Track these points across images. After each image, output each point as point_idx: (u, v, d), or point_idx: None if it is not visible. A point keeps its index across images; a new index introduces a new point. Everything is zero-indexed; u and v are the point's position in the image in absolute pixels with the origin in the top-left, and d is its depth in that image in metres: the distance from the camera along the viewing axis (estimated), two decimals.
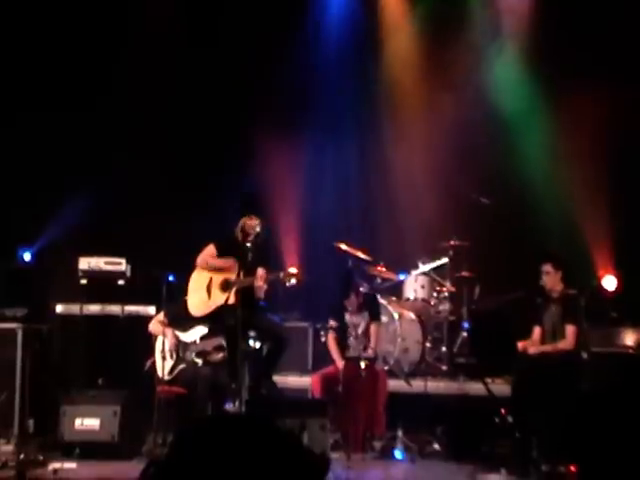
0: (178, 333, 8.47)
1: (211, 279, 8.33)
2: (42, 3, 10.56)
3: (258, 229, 8.20)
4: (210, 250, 8.44)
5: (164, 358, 8.35)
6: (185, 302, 8.43)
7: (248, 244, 8.11)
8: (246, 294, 8.07)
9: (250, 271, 8.12)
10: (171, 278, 8.17)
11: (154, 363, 8.38)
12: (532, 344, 8.29)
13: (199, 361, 8.38)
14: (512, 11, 10.90)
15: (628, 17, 10.08)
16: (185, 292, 8.43)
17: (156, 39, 10.57)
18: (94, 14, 10.59)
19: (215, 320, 8.35)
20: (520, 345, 8.25)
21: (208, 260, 8.39)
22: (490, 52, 10.97)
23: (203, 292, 8.33)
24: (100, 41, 10.57)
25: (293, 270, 8.22)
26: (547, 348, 8.20)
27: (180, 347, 8.45)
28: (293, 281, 8.05)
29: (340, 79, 11.18)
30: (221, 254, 8.37)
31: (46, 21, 10.47)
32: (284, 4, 10.90)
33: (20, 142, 10.37)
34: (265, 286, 8.15)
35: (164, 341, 8.36)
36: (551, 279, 8.32)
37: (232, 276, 8.14)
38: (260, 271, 8.07)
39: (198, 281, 8.41)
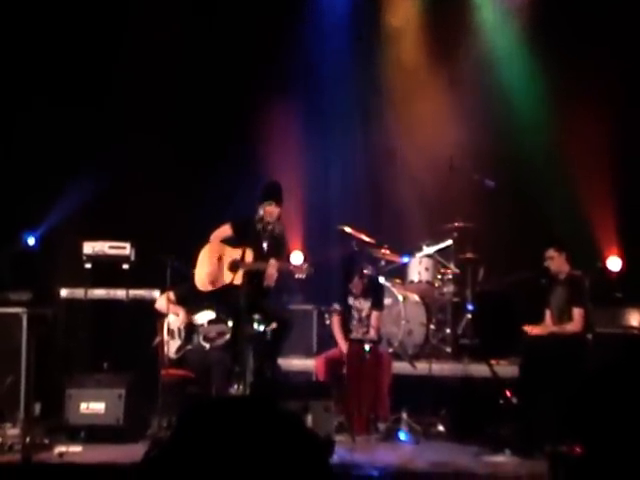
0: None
1: (221, 256, 8.35)
2: None
3: (276, 216, 8.39)
4: (225, 229, 8.48)
5: (172, 337, 8.39)
6: (192, 280, 8.46)
7: (265, 232, 8.32)
8: (253, 278, 8.11)
9: (264, 259, 8.22)
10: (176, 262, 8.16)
11: (162, 342, 8.39)
12: (544, 327, 8.29)
13: (206, 345, 8.40)
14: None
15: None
16: (193, 265, 8.45)
17: (159, 24, 10.55)
18: None
19: (219, 300, 8.39)
20: (528, 328, 8.25)
21: (218, 240, 8.42)
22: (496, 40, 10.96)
23: (212, 267, 8.36)
24: (100, 24, 10.54)
25: (304, 264, 8.25)
26: (555, 329, 8.21)
27: (189, 327, 8.49)
28: (303, 275, 8.12)
29: (345, 64, 11.15)
30: (236, 235, 8.41)
31: (54, 9, 10.45)
32: None
33: (23, 127, 10.37)
34: (276, 275, 8.19)
35: (169, 320, 8.38)
36: (555, 263, 8.31)
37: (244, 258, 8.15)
38: (273, 261, 8.15)
39: (208, 256, 8.43)
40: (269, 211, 8.33)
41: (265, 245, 8.38)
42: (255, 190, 8.81)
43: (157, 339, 8.43)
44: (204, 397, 7.93)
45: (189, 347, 8.45)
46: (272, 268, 8.14)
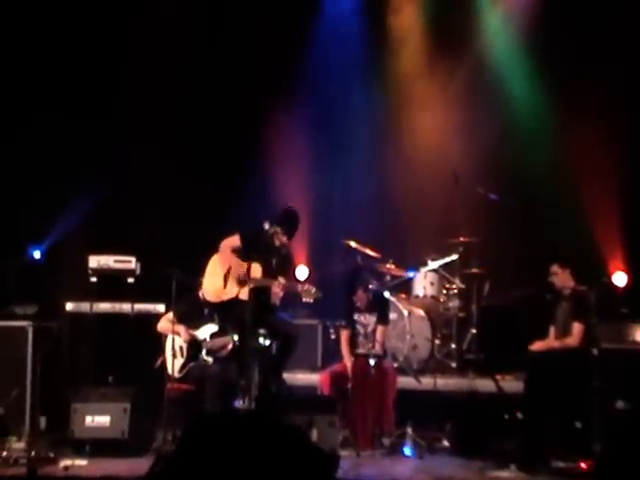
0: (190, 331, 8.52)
1: (230, 268, 8.34)
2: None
3: (284, 247, 8.44)
4: (234, 240, 8.44)
5: (174, 356, 8.39)
6: (196, 291, 8.47)
7: (274, 250, 8.34)
8: (260, 293, 8.10)
9: (272, 275, 8.23)
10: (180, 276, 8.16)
11: (164, 362, 8.40)
12: (545, 342, 8.29)
13: (209, 359, 8.40)
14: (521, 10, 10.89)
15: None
16: (202, 273, 8.45)
17: (163, 42, 10.58)
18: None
19: (224, 312, 8.39)
20: (534, 345, 8.26)
21: (228, 250, 8.42)
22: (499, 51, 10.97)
23: (220, 279, 8.35)
24: (107, 38, 10.58)
25: (312, 288, 8.21)
26: (555, 344, 8.21)
27: (192, 344, 8.48)
28: (311, 300, 8.11)
29: (348, 76, 11.17)
30: (245, 247, 8.37)
31: (56, 19, 10.50)
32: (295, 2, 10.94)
33: (28, 140, 10.39)
34: (281, 294, 8.20)
35: (174, 339, 8.38)
36: (560, 278, 8.31)
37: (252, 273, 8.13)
38: (282, 279, 8.17)
39: (218, 266, 8.43)
40: (281, 240, 8.36)
41: (273, 261, 8.38)
42: (260, 201, 8.80)
43: (160, 359, 8.45)
44: (209, 412, 7.91)
45: (192, 364, 8.44)
46: (278, 287, 8.14)
